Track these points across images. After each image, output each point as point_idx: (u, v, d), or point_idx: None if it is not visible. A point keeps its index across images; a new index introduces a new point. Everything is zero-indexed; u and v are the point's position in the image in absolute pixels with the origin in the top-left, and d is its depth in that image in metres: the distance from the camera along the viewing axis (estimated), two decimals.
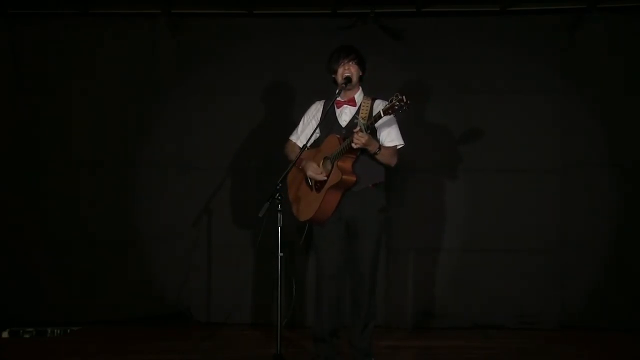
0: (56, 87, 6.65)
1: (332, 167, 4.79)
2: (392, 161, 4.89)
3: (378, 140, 4.82)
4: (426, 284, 6.48)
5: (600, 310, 6.32)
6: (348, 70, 4.85)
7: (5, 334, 6.10)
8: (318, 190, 4.85)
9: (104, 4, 6.62)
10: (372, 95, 4.96)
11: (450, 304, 6.45)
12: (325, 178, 4.80)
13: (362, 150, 4.74)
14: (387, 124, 4.81)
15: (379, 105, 4.87)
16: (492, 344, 5.90)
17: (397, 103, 4.52)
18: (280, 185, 4.72)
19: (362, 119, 4.79)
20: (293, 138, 5.11)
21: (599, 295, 6.33)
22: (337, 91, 4.88)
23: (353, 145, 4.66)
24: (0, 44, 6.66)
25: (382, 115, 4.58)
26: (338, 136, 4.82)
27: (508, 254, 6.42)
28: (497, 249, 6.43)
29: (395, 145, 4.88)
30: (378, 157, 4.79)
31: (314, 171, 4.84)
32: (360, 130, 4.63)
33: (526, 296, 6.40)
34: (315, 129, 4.92)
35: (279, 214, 4.69)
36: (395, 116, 4.66)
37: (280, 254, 4.70)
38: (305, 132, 5.02)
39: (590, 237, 6.38)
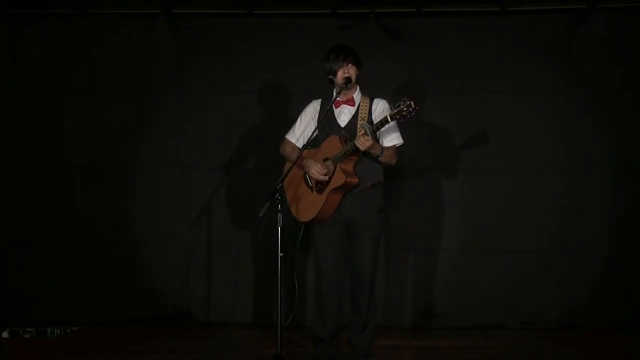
0: (56, 87, 6.65)
1: (335, 169, 4.79)
2: (393, 160, 4.90)
3: (377, 140, 4.82)
4: (426, 284, 6.48)
5: (600, 310, 6.31)
6: (347, 72, 4.85)
7: (5, 334, 6.10)
8: (319, 191, 4.86)
9: (104, 4, 6.62)
10: (369, 94, 4.97)
11: (450, 304, 6.45)
12: (327, 179, 4.80)
13: (364, 153, 4.74)
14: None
15: (378, 105, 4.90)
16: (492, 344, 5.91)
17: (405, 109, 4.50)
18: (280, 185, 4.74)
19: (362, 119, 4.80)
20: (290, 137, 5.11)
21: (599, 295, 6.33)
22: (336, 92, 4.89)
23: (359, 147, 4.65)
24: (0, 44, 6.66)
25: (390, 120, 4.58)
26: (339, 137, 4.82)
27: (508, 254, 6.42)
28: (497, 249, 6.43)
29: (395, 145, 4.89)
30: (380, 159, 4.80)
31: (318, 171, 4.83)
32: (365, 133, 4.63)
33: (526, 296, 6.40)
34: (315, 129, 4.92)
35: (279, 214, 4.70)
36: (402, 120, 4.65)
37: (280, 254, 4.70)
38: (304, 132, 5.02)
39: (590, 237, 6.37)
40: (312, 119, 5.02)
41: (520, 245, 6.41)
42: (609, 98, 6.39)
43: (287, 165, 4.98)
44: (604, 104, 6.40)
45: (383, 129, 4.69)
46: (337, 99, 4.91)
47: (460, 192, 6.50)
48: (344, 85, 4.84)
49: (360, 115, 4.85)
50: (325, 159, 4.86)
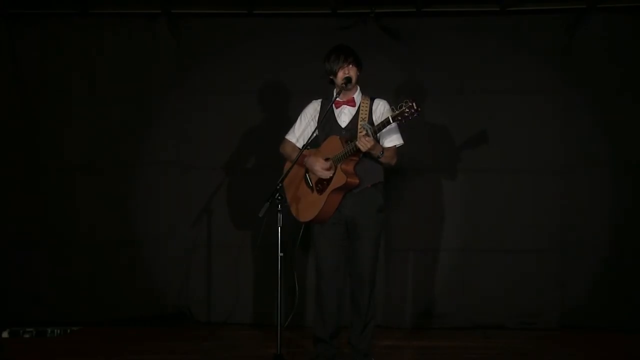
0: (56, 87, 6.65)
1: (335, 169, 4.79)
2: (393, 161, 4.91)
3: (378, 141, 4.82)
4: (426, 284, 6.48)
5: (600, 310, 6.31)
6: (348, 72, 4.85)
7: (5, 334, 6.10)
8: (320, 192, 4.86)
9: (104, 4, 6.62)
10: (369, 94, 4.98)
11: (450, 304, 6.45)
12: (331, 174, 4.79)
13: (365, 153, 4.74)
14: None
15: (379, 105, 4.90)
16: (492, 344, 5.91)
17: (407, 110, 4.51)
18: (280, 185, 4.74)
19: (362, 120, 4.80)
20: (290, 137, 5.11)
21: (599, 295, 6.33)
22: (336, 92, 4.89)
23: (360, 148, 4.65)
24: (0, 44, 6.66)
25: (392, 121, 4.58)
26: (340, 138, 4.82)
27: (508, 254, 6.42)
28: (497, 249, 6.43)
29: (395, 145, 4.90)
30: (381, 159, 4.80)
31: (321, 166, 4.82)
32: (367, 134, 4.63)
33: (526, 296, 6.40)
34: (315, 129, 4.92)
35: (279, 214, 4.70)
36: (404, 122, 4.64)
37: (280, 254, 4.70)
38: (304, 132, 5.02)
39: (590, 237, 6.37)
40: (312, 119, 5.02)
41: (520, 245, 6.41)
42: (609, 98, 6.39)
43: (287, 165, 4.97)
44: (604, 104, 6.40)
45: (384, 130, 4.70)
46: (338, 99, 4.91)
47: (460, 192, 6.50)
48: (344, 85, 4.84)
49: (360, 116, 4.85)
50: (326, 159, 4.86)
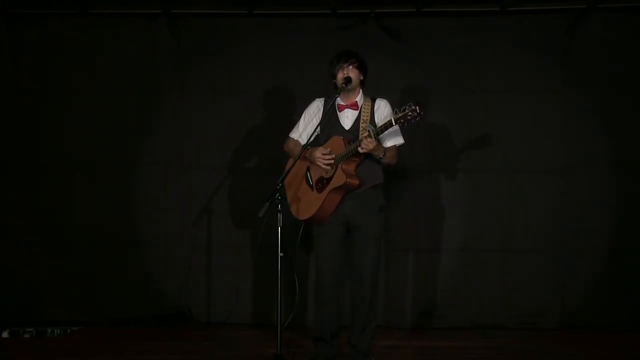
0: (56, 87, 6.65)
1: (336, 169, 4.79)
2: (394, 161, 4.92)
3: (379, 142, 4.82)
4: (426, 284, 6.48)
5: (600, 310, 6.31)
6: (347, 73, 4.85)
7: (5, 334, 6.10)
8: (319, 190, 4.86)
9: (104, 4, 6.62)
10: (370, 94, 4.98)
11: (450, 304, 6.45)
12: (331, 161, 4.78)
13: (367, 155, 4.74)
14: None
15: (380, 105, 4.91)
16: (492, 344, 5.91)
17: (410, 113, 4.51)
18: (280, 185, 4.74)
19: (364, 122, 4.80)
20: (294, 135, 5.12)
21: (599, 295, 6.33)
22: (337, 91, 4.89)
23: (360, 149, 4.66)
24: (0, 44, 6.66)
25: (394, 124, 4.58)
26: (343, 138, 4.82)
27: (508, 254, 6.42)
28: (497, 249, 6.43)
29: (396, 145, 4.90)
30: (383, 160, 4.80)
31: (322, 151, 4.81)
32: (369, 135, 4.63)
33: (526, 296, 6.40)
34: (316, 128, 4.92)
35: (279, 214, 4.70)
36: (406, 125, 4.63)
37: (280, 254, 4.70)
38: (306, 130, 5.02)
39: (590, 237, 6.37)
40: (315, 116, 5.02)
41: (520, 245, 6.41)
42: (609, 98, 6.38)
43: (289, 164, 4.98)
44: (604, 104, 6.40)
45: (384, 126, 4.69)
46: (341, 103, 4.93)
47: (460, 192, 6.49)
48: (343, 85, 4.84)
49: (362, 117, 4.86)
50: None
